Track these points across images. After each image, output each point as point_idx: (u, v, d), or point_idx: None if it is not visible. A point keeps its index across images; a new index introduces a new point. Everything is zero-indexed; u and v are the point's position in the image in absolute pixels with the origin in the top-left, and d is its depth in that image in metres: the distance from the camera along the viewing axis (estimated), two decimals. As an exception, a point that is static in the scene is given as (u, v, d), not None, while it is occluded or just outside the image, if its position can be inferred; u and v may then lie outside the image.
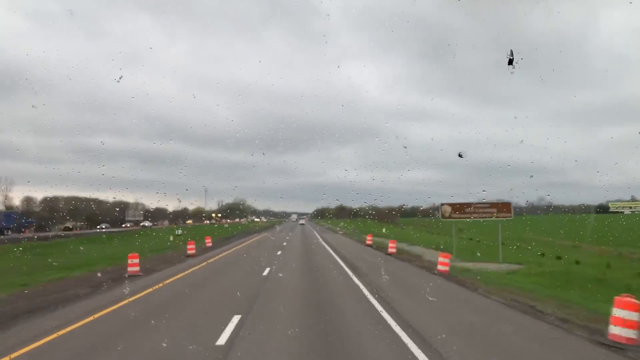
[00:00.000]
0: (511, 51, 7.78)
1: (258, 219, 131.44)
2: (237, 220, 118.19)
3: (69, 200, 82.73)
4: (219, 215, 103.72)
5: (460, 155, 12.46)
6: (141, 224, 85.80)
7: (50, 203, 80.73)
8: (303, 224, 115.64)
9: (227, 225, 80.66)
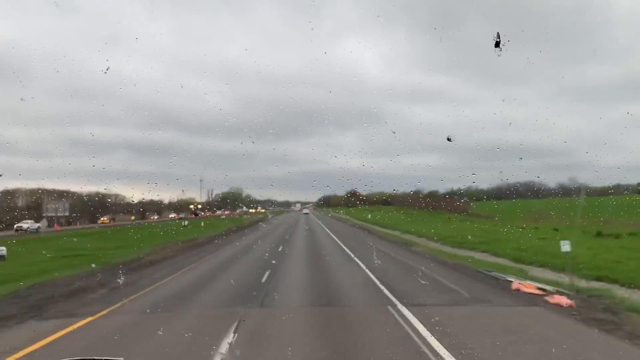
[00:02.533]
0: (497, 33, 7.31)
1: (254, 210, 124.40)
2: (218, 212, 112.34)
3: (32, 193, 76.42)
4: (198, 206, 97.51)
5: (448, 139, 11.68)
6: (16, 225, 53.63)
7: (9, 197, 74.66)
8: (307, 214, 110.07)
9: (186, 223, 52.94)
